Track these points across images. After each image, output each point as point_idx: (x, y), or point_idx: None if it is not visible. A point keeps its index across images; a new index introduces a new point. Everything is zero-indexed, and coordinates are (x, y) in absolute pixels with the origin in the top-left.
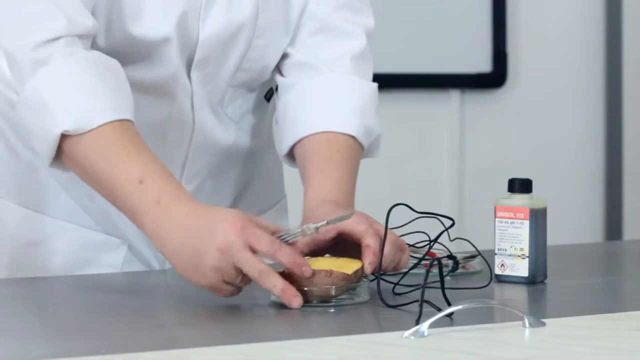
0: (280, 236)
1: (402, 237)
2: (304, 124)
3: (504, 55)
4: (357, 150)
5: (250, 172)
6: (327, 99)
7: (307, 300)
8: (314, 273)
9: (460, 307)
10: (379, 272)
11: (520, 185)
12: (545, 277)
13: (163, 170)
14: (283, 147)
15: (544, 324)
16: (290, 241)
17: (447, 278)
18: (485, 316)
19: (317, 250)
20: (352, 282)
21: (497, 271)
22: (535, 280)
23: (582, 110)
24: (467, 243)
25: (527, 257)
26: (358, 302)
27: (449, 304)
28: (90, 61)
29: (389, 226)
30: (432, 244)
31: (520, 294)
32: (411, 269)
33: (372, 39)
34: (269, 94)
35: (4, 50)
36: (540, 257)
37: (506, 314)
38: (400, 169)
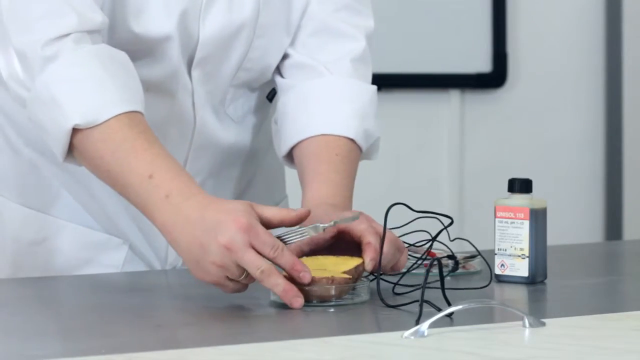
0: (286, 236)
1: (402, 237)
2: (303, 126)
3: (504, 55)
4: (355, 153)
5: (252, 172)
6: (326, 101)
7: (307, 300)
8: (316, 280)
9: (460, 307)
10: (378, 272)
11: (520, 185)
12: (545, 277)
13: (172, 164)
14: (282, 149)
15: (544, 324)
16: (295, 241)
17: (447, 278)
18: (485, 316)
19: (316, 250)
20: (353, 278)
21: (497, 271)
22: (535, 280)
23: (582, 110)
24: (467, 243)
25: (527, 257)
26: (358, 302)
27: (449, 304)
28: (98, 54)
29: (388, 226)
30: (431, 242)
31: (520, 294)
32: (411, 268)
33: (372, 41)
34: (272, 94)
35: (15, 48)
36: (540, 257)
37: (506, 314)
38: (400, 169)
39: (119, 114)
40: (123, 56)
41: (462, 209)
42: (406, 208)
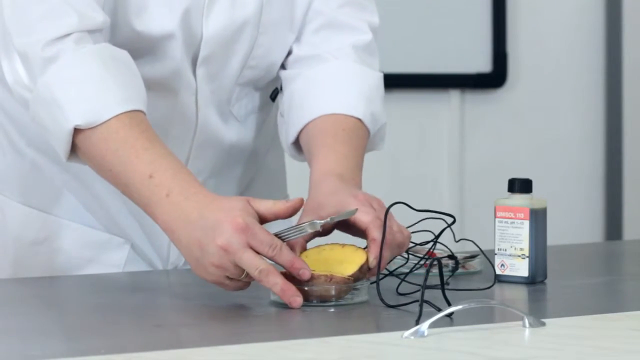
0: (283, 233)
1: None
2: (310, 108)
3: (504, 55)
4: (363, 132)
5: (253, 172)
6: (332, 84)
7: (307, 300)
8: (314, 277)
9: (460, 307)
10: (378, 273)
11: (520, 185)
12: (545, 277)
13: (173, 163)
14: (289, 136)
15: (544, 324)
16: (293, 238)
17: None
18: (485, 316)
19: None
20: (356, 278)
21: (497, 271)
22: (535, 280)
23: (582, 110)
24: (469, 243)
25: (527, 257)
26: (358, 302)
27: (449, 304)
28: (99, 53)
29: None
30: (434, 241)
31: (520, 294)
32: (412, 269)
33: (377, 36)
34: (274, 94)
35: (17, 50)
36: (540, 257)
37: (506, 314)
38: (400, 169)
39: (120, 114)
40: (125, 55)
41: (462, 209)
42: (408, 208)
